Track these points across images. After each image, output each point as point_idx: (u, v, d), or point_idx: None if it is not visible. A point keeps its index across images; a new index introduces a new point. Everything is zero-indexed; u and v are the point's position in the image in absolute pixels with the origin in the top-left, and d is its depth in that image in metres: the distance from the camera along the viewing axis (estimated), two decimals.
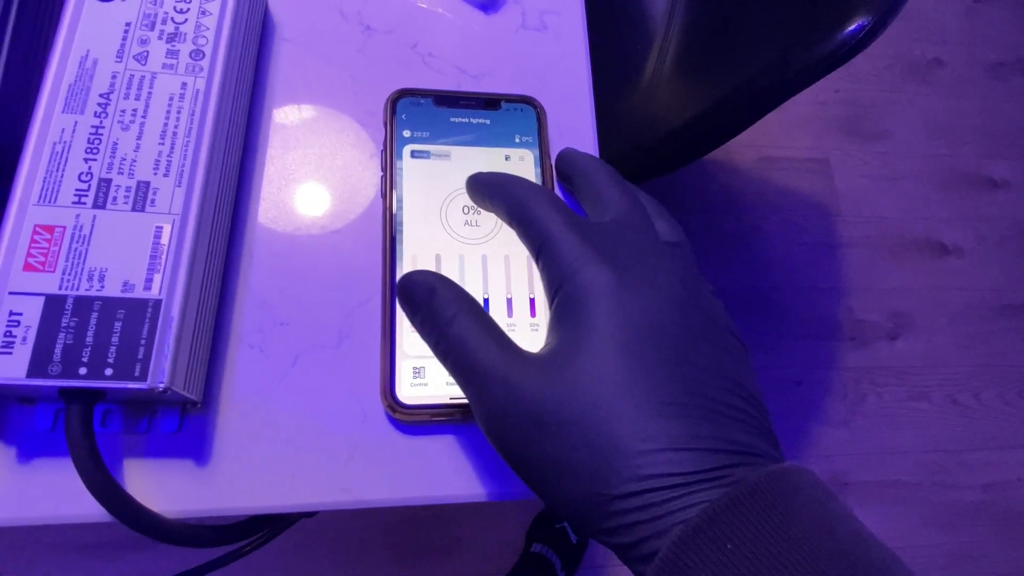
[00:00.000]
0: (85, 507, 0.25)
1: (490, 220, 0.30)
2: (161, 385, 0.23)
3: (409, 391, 0.27)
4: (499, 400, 0.21)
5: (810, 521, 0.18)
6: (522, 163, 0.32)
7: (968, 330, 1.29)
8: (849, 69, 1.41)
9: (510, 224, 0.26)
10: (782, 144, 1.35)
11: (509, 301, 0.29)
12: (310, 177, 0.31)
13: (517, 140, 0.32)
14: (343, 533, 1.00)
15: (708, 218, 1.27)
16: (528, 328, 0.29)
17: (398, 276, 0.29)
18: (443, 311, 0.22)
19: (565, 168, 0.30)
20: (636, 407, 0.20)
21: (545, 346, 0.22)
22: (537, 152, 0.32)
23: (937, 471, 1.19)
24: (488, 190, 0.27)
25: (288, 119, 0.32)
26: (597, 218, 0.26)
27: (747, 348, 0.23)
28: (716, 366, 0.21)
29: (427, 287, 0.23)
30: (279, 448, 0.26)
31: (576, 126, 0.34)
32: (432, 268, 0.29)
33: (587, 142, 0.34)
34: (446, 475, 0.27)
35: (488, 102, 0.32)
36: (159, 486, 0.25)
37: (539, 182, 0.32)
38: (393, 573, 0.99)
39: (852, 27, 0.46)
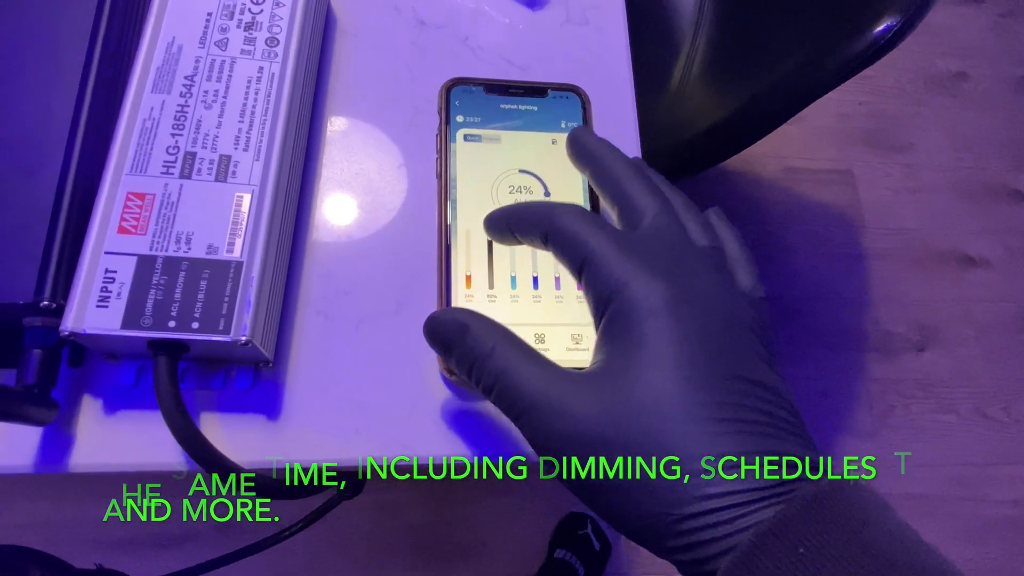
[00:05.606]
0: (164, 455, 0.27)
1: (538, 199, 0.32)
2: (243, 338, 0.25)
3: None
4: (554, 427, 0.20)
5: (879, 529, 0.18)
6: None
7: (997, 343, 1.27)
8: (872, 82, 1.42)
9: (546, 248, 0.24)
10: (805, 155, 1.35)
11: (557, 278, 0.31)
12: (369, 158, 0.33)
13: (563, 125, 0.34)
14: (367, 534, 1.01)
15: None
16: (575, 300, 0.30)
17: (452, 250, 0.30)
18: (480, 346, 0.22)
19: (580, 161, 0.27)
20: (696, 424, 0.19)
21: (594, 363, 0.22)
22: None
23: (965, 485, 1.18)
24: (512, 221, 0.25)
25: (348, 104, 0.34)
26: (626, 223, 0.24)
27: (773, 354, 0.23)
28: (762, 379, 0.21)
29: (458, 325, 0.22)
30: (343, 406, 0.28)
31: (618, 115, 0.36)
32: (484, 244, 0.31)
33: (629, 131, 0.36)
34: (498, 436, 0.29)
35: (536, 90, 0.34)
36: (233, 438, 0.27)
37: None
38: (417, 575, 1.00)
39: (881, 27, 0.47)
